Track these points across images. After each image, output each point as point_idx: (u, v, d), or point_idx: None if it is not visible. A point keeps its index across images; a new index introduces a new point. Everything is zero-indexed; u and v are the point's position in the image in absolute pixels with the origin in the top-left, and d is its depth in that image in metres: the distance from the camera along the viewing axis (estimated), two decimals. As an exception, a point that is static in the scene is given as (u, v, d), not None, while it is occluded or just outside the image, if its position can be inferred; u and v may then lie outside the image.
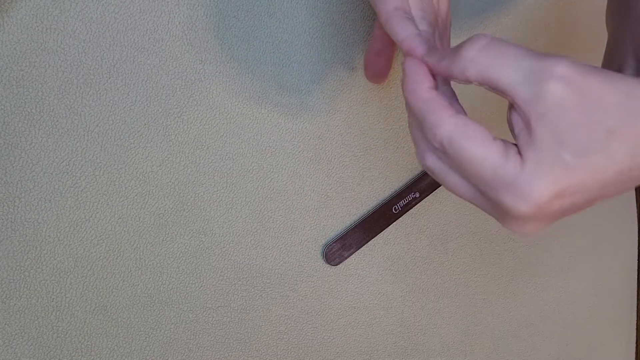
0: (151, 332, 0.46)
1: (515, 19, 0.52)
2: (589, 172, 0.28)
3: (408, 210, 0.51)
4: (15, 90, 0.40)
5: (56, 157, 0.42)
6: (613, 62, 0.39)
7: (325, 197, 0.49)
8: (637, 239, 0.63)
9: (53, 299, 0.43)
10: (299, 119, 0.47)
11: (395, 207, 0.51)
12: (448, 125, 0.30)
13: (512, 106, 0.30)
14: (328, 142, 0.48)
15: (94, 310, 0.44)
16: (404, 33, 0.34)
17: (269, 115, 0.46)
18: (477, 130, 0.29)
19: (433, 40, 0.35)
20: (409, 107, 0.32)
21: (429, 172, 0.33)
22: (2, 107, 0.40)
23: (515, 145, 0.29)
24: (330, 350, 0.51)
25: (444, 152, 0.30)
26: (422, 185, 0.51)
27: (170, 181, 0.45)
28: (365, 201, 0.50)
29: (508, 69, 0.29)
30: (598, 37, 0.56)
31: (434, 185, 0.52)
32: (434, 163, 0.32)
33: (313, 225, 0.49)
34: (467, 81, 0.30)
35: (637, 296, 0.64)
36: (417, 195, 0.51)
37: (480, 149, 0.29)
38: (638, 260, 0.64)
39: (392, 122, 0.50)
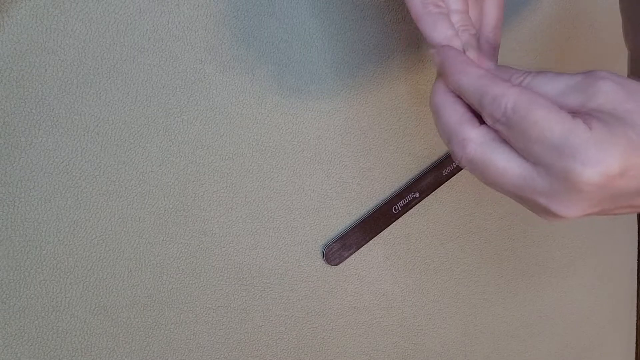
0: (151, 332, 0.46)
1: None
2: None
3: (408, 210, 0.51)
4: (15, 90, 0.40)
5: (56, 157, 0.42)
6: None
7: (325, 197, 0.49)
8: (637, 239, 0.63)
9: (53, 299, 0.43)
10: (299, 119, 0.47)
11: (395, 207, 0.51)
12: (513, 93, 0.29)
13: None
14: (328, 142, 0.48)
15: (94, 310, 0.44)
16: (438, 37, 0.33)
17: (269, 115, 0.46)
18: (542, 98, 0.29)
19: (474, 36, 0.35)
20: (461, 88, 0.31)
21: (467, 164, 0.32)
22: (2, 107, 0.40)
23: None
24: (330, 350, 0.51)
25: (506, 124, 0.30)
26: (422, 185, 0.51)
27: (170, 181, 0.45)
28: (365, 201, 0.50)
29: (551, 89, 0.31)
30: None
31: (434, 185, 0.52)
32: (476, 150, 0.31)
33: (313, 225, 0.49)
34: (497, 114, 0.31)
35: (637, 296, 0.64)
36: (417, 195, 0.51)
37: (548, 112, 0.29)
38: (638, 260, 0.64)
39: (392, 122, 0.50)
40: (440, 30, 0.33)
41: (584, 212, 0.30)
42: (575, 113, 0.30)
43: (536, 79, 0.31)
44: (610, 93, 0.29)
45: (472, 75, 0.31)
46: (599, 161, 0.28)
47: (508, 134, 0.30)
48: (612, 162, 0.28)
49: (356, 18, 0.47)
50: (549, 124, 0.29)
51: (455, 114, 0.32)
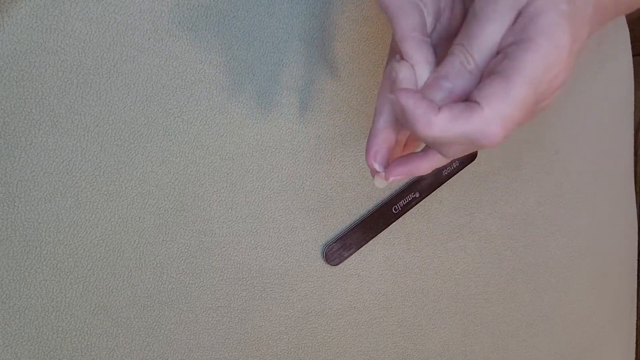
0: (151, 332, 0.46)
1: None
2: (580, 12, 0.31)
3: (408, 210, 0.51)
4: (15, 90, 0.40)
5: (56, 157, 0.42)
6: None
7: (325, 197, 0.49)
8: (637, 238, 0.63)
9: (53, 299, 0.43)
10: (299, 119, 0.47)
11: (395, 207, 0.51)
12: (492, 114, 0.30)
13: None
14: (328, 142, 0.48)
15: (94, 310, 0.44)
16: (420, 56, 0.34)
17: (269, 115, 0.46)
18: (506, 84, 0.30)
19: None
20: (437, 140, 0.32)
21: (440, 139, 0.33)
22: (2, 107, 0.40)
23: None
24: (330, 350, 0.51)
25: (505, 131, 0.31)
26: (422, 185, 0.51)
27: (170, 181, 0.45)
28: (365, 201, 0.50)
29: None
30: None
31: (434, 185, 0.52)
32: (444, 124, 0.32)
33: (313, 225, 0.49)
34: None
35: (637, 296, 0.64)
36: (417, 195, 0.51)
37: (519, 85, 0.30)
38: (638, 260, 0.64)
39: (392, 122, 0.50)
40: (423, 52, 0.34)
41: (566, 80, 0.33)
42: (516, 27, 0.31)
43: (475, 45, 0.32)
44: None
45: (441, 124, 0.31)
46: (562, 48, 0.30)
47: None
48: (565, 40, 0.30)
49: (356, 18, 0.47)
50: (528, 87, 0.30)
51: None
